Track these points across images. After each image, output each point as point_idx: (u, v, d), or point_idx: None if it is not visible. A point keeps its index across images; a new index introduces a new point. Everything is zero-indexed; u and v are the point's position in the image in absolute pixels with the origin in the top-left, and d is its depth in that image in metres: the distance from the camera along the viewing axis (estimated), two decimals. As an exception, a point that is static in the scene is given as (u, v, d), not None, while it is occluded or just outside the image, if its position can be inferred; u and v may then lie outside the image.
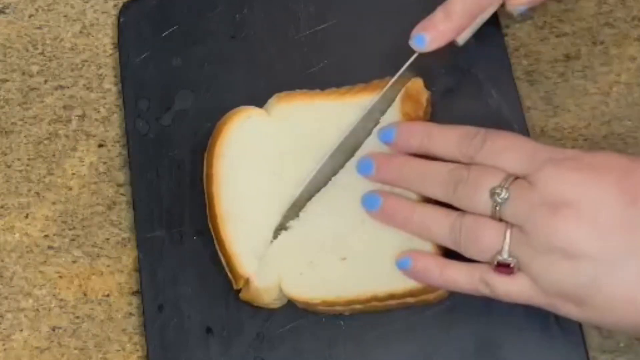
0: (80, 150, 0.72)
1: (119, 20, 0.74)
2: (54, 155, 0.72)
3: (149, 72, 0.72)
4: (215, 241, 0.65)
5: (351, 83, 0.67)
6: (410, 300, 0.62)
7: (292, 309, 0.64)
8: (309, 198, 0.64)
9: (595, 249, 0.53)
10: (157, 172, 0.69)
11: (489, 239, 0.56)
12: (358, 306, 0.62)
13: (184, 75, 0.71)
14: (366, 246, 0.62)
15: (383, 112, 0.65)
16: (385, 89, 0.64)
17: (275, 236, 0.64)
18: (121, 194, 0.71)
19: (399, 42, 0.65)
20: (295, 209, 0.64)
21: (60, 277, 0.70)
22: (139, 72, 0.72)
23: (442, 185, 0.59)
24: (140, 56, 0.72)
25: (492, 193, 0.56)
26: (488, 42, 0.67)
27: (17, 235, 0.71)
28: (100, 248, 0.70)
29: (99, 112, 0.73)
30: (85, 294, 0.69)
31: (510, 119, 0.66)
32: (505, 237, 0.56)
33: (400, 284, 0.61)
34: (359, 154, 0.64)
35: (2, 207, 0.72)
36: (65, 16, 0.76)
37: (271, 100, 0.67)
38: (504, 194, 0.56)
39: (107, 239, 0.70)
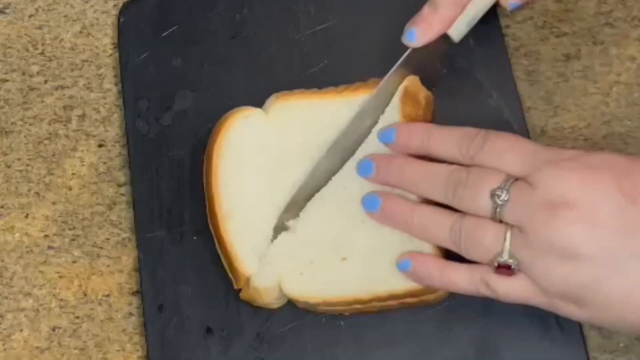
0: (80, 150, 0.72)
1: (119, 20, 0.74)
2: (54, 155, 0.72)
3: (149, 72, 0.72)
4: (215, 241, 0.65)
5: (351, 83, 0.67)
6: (410, 300, 0.62)
7: (292, 309, 0.64)
8: (309, 198, 0.64)
9: (595, 249, 0.53)
10: (157, 172, 0.69)
11: (489, 241, 0.56)
12: (358, 306, 0.62)
13: (184, 75, 0.71)
14: (367, 246, 0.62)
15: (380, 111, 0.65)
16: (380, 86, 0.64)
17: (275, 236, 0.64)
18: (121, 194, 0.71)
19: (399, 42, 0.65)
20: (295, 209, 0.64)
21: (60, 277, 0.70)
22: (139, 72, 0.72)
23: (442, 187, 0.59)
24: (140, 56, 0.72)
25: (492, 195, 0.56)
26: (488, 42, 0.67)
27: (17, 235, 0.71)
28: (100, 248, 0.70)
29: (99, 112, 0.73)
30: (85, 294, 0.69)
31: (510, 119, 0.66)
32: (505, 239, 0.56)
33: (401, 284, 0.61)
34: (359, 154, 0.64)
35: (2, 207, 0.72)
36: (65, 16, 0.76)
37: (269, 100, 0.67)
38: (504, 196, 0.56)
39: (107, 239, 0.70)
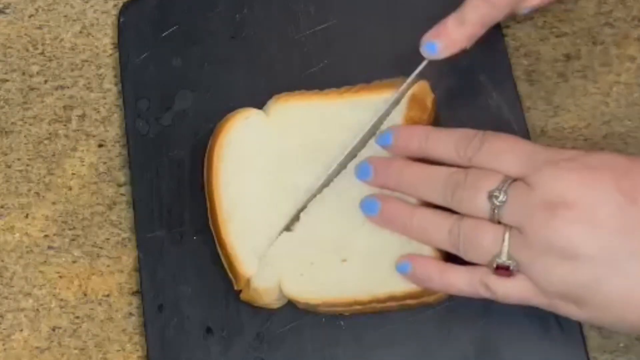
0: (80, 150, 0.72)
1: (119, 20, 0.74)
2: (54, 155, 0.72)
3: (149, 72, 0.72)
4: (215, 241, 0.65)
5: (351, 83, 0.67)
6: (410, 301, 0.62)
7: (292, 309, 0.64)
8: (310, 199, 0.64)
9: (594, 249, 0.53)
10: (157, 172, 0.69)
11: (487, 242, 0.56)
12: (358, 307, 0.62)
13: (184, 75, 0.71)
14: (367, 248, 0.62)
15: (388, 116, 0.65)
16: (396, 95, 0.64)
17: (276, 237, 0.64)
18: (121, 194, 0.71)
19: (399, 42, 0.65)
20: (296, 211, 0.64)
21: (60, 277, 0.70)
22: (139, 72, 0.72)
23: (441, 190, 0.59)
24: (140, 56, 0.72)
25: (490, 196, 0.56)
26: (488, 42, 0.67)
27: (17, 235, 0.71)
28: (100, 248, 0.70)
29: (99, 112, 0.73)
30: (85, 294, 0.69)
31: (510, 119, 0.65)
32: (504, 240, 0.56)
33: (401, 285, 0.61)
34: (359, 157, 0.64)
35: (2, 207, 0.72)
36: (65, 16, 0.76)
37: (270, 102, 0.67)
38: (502, 197, 0.56)
39: (107, 239, 0.70)
